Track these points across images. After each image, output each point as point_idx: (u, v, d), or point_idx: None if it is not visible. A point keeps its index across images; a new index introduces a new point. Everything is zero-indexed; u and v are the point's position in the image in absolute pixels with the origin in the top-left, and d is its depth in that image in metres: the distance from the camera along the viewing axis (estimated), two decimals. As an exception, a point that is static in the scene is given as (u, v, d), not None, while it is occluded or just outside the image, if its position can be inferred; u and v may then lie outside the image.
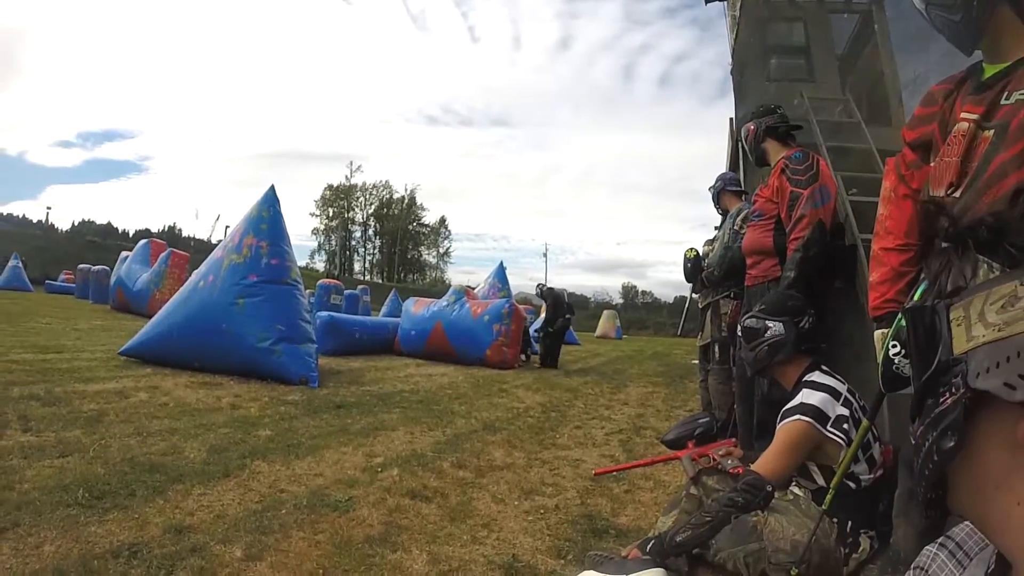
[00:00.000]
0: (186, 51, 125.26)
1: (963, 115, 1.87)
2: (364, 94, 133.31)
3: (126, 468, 3.46)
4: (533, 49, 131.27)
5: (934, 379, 0.65)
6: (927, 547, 1.00)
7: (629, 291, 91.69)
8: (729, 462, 2.68)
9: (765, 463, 2.35)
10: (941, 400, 0.64)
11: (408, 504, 3.24)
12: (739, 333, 2.89)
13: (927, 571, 0.92)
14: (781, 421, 2.42)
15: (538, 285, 9.60)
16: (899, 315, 1.79)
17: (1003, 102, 1.75)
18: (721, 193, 5.75)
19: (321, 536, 2.71)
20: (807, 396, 2.41)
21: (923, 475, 0.67)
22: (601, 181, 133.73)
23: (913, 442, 0.73)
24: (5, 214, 74.07)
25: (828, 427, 2.33)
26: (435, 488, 3.55)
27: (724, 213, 5.90)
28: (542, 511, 3.28)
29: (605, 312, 40.72)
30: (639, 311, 77.52)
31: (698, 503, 2.59)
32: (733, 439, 3.33)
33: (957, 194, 1.85)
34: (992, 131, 1.78)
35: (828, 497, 2.22)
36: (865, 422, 2.17)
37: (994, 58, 1.86)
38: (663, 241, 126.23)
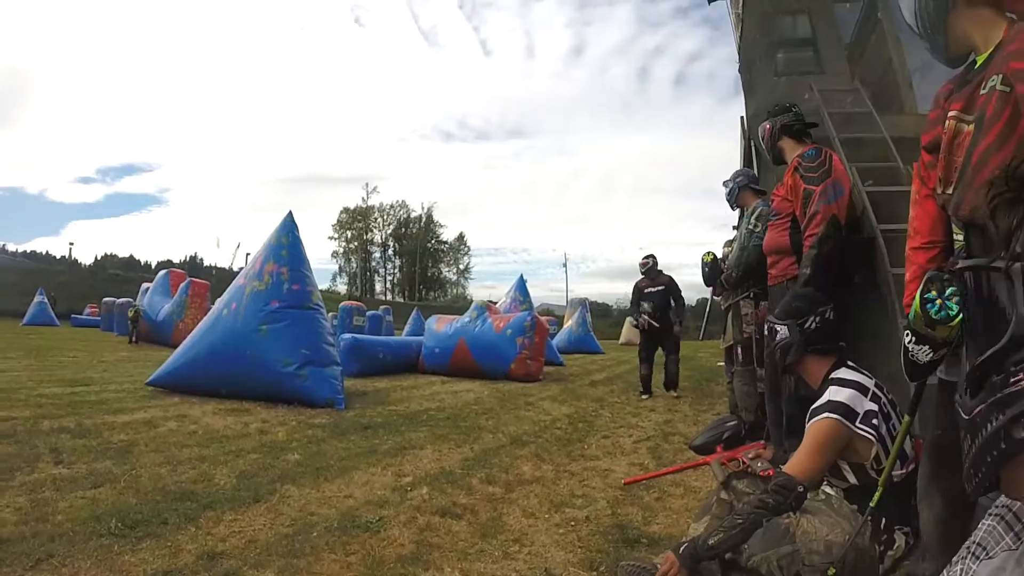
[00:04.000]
0: (200, 81, 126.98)
1: (950, 113, 1.90)
2: (379, 114, 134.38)
3: (158, 497, 3.50)
4: (546, 58, 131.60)
5: (1002, 354, 0.61)
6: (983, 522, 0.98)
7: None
8: (759, 464, 2.64)
9: (796, 463, 2.32)
10: (1013, 380, 0.60)
11: (439, 522, 3.23)
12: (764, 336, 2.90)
13: (984, 547, 0.89)
14: (809, 420, 2.40)
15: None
16: (915, 300, 1.78)
17: (981, 92, 1.77)
18: (742, 190, 5.71)
19: (353, 558, 2.71)
20: (834, 393, 2.39)
21: (984, 460, 0.64)
22: (621, 186, 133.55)
23: (967, 418, 0.69)
24: (29, 251, 75.21)
25: (857, 423, 2.30)
26: (465, 505, 3.53)
27: (740, 210, 5.87)
28: (573, 523, 3.25)
29: (628, 319, 40.43)
30: (663, 315, 76.85)
31: (729, 507, 2.56)
32: (762, 441, 3.30)
33: (950, 191, 1.89)
34: (972, 124, 1.80)
35: (877, 495, 2.17)
36: (907, 417, 2.14)
37: (979, 52, 1.88)
38: (685, 243, 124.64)
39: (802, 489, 2.23)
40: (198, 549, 2.74)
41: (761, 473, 2.59)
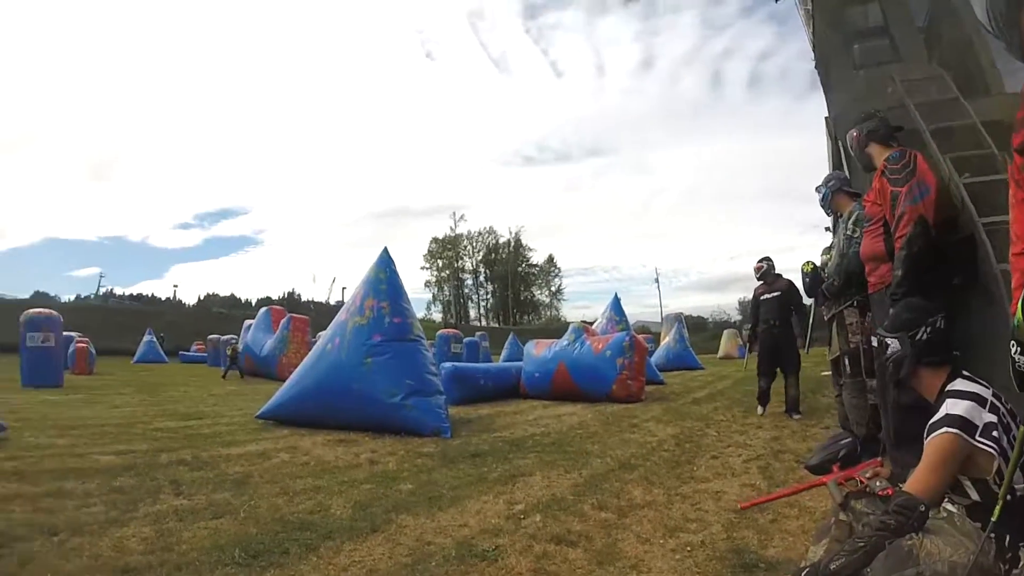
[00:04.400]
0: (287, 126, 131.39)
1: None
2: (461, 144, 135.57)
3: (277, 527, 3.65)
4: (617, 74, 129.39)
5: None
6: None
7: (747, 306, 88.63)
8: (877, 483, 2.58)
9: (916, 481, 2.28)
10: None
11: (555, 550, 3.26)
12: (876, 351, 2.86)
13: None
14: (927, 436, 2.35)
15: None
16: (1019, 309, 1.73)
17: None
18: (835, 194, 5.60)
19: None
20: (952, 407, 2.33)
21: None
22: (705, 195, 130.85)
23: None
24: (136, 294, 79.32)
25: (977, 437, 2.24)
26: (579, 532, 3.56)
27: (835, 215, 5.75)
28: (688, 548, 3.24)
29: (725, 332, 39.36)
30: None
31: (848, 529, 2.51)
32: (879, 458, 3.19)
33: None
34: None
35: (997, 509, 2.10)
36: (1022, 428, 2.09)
37: None
38: (776, 249, 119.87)
39: (924, 508, 2.18)
40: None
41: (880, 492, 2.53)
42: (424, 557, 3.17)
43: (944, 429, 2.28)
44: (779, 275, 8.74)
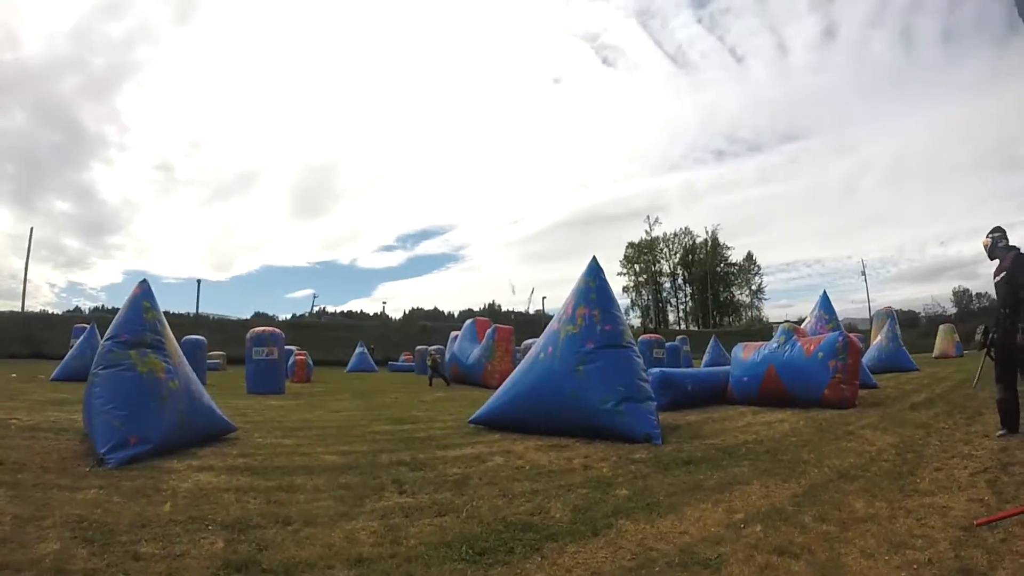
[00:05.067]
0: (476, 148, 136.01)
1: None
2: (647, 146, 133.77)
3: (500, 527, 3.93)
4: (800, 50, 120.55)
5: None
6: None
7: (962, 296, 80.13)
8: None
9: None
10: None
11: (777, 561, 3.33)
12: None
13: None
14: None
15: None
16: None
17: None
18: None
19: None
20: None
21: None
22: (912, 173, 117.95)
23: None
24: (347, 311, 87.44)
25: None
26: (801, 544, 3.59)
27: None
28: (915, 566, 3.21)
29: (941, 327, 35.29)
30: (978, 318, 67.82)
31: None
32: None
33: None
34: None
35: None
36: None
37: None
38: (991, 227, 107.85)
39: None
40: None
41: None
42: (647, 562, 3.33)
43: None
44: (1011, 247, 7.03)
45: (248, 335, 17.89)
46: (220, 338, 36.25)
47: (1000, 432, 6.96)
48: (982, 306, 72.98)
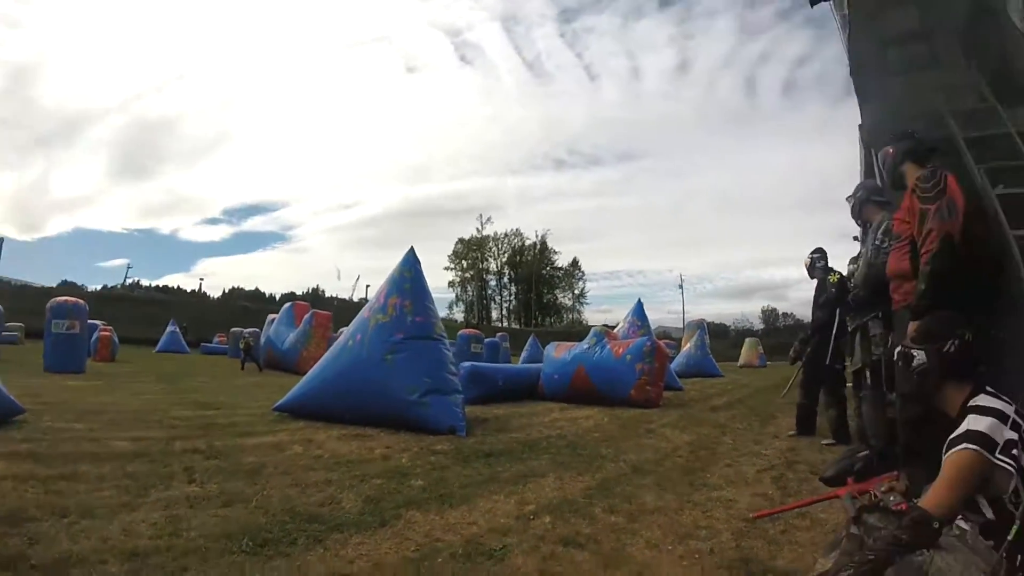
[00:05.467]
0: (317, 125, 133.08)
1: None
2: (491, 147, 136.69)
3: (286, 518, 3.65)
4: (652, 77, 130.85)
5: None
6: None
7: (770, 315, 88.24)
8: (892, 498, 2.52)
9: (932, 498, 2.24)
10: None
11: (562, 552, 3.24)
12: (897, 360, 2.80)
13: None
14: (947, 451, 2.31)
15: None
16: None
17: None
18: (864, 204, 5.56)
19: None
20: (973, 423, 2.29)
21: None
22: (737, 203, 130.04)
23: None
24: (162, 286, 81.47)
25: (997, 454, 2.20)
26: (588, 535, 3.53)
27: (864, 225, 5.70)
28: (697, 555, 3.21)
29: (747, 340, 39.47)
30: (782, 335, 74.06)
31: (859, 543, 2.44)
32: (896, 472, 3.12)
33: None
34: None
35: (1015, 529, 2.08)
36: None
37: None
38: (804, 258, 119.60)
39: (938, 525, 2.15)
40: (326, 570, 2.87)
41: (894, 507, 2.49)
42: (431, 553, 3.17)
43: (964, 445, 2.25)
44: (829, 269, 7.41)
45: (48, 305, 15.87)
46: (20, 306, 32.18)
47: (791, 433, 7.52)
48: (787, 324, 79.77)
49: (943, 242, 3.70)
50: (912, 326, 3.79)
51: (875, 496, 2.61)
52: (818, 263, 7.55)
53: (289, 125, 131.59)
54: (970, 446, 2.23)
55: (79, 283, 68.15)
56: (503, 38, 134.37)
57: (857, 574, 2.14)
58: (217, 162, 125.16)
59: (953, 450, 2.28)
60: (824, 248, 7.64)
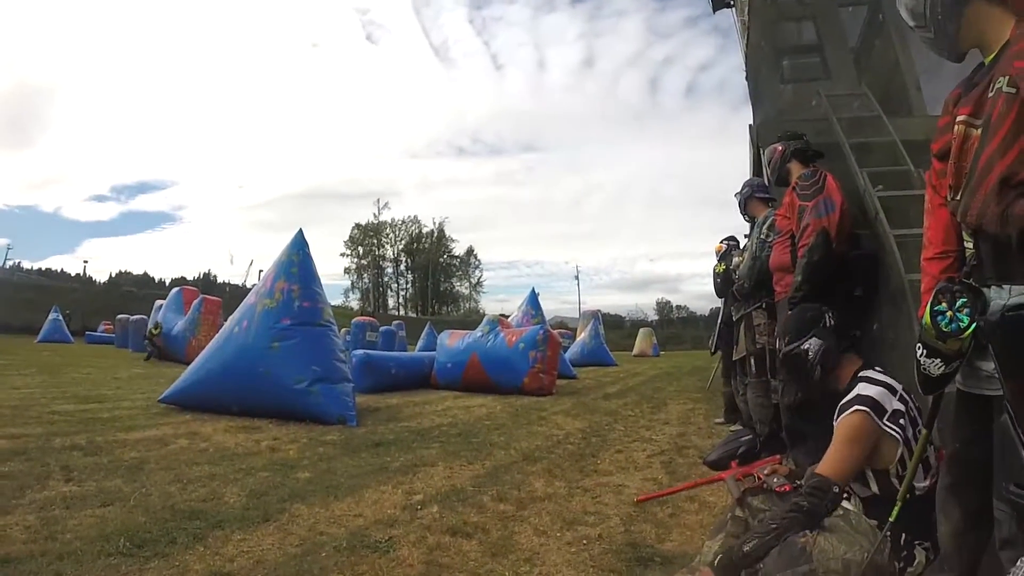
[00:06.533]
0: (213, 99, 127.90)
1: (958, 118, 1.88)
2: (392, 130, 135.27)
3: (167, 516, 3.50)
4: (558, 71, 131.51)
5: None
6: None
7: (664, 307, 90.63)
8: (775, 480, 2.59)
9: (827, 463, 2.29)
10: None
11: (449, 541, 3.20)
12: (785, 365, 2.90)
13: None
14: (838, 416, 2.37)
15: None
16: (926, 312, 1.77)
17: (988, 95, 1.75)
18: (748, 200, 5.73)
19: None
20: (863, 389, 2.37)
21: None
22: (634, 198, 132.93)
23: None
24: (44, 269, 75.65)
25: (885, 420, 2.27)
26: (476, 523, 3.50)
27: (752, 221, 5.84)
28: (585, 541, 3.21)
29: (641, 330, 40.30)
30: (675, 326, 76.47)
31: (744, 525, 2.52)
32: (778, 455, 3.22)
33: (959, 197, 1.87)
34: (980, 128, 1.78)
35: (896, 509, 2.13)
36: (925, 431, 2.12)
37: (986, 52, 1.88)
38: (697, 254, 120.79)
39: (837, 489, 2.20)
40: (205, 569, 2.74)
41: (777, 489, 2.54)
42: (314, 548, 3.08)
43: (855, 408, 2.32)
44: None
45: None
46: None
47: (717, 420, 7.66)
48: (680, 316, 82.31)
49: (819, 236, 3.92)
50: (784, 317, 3.96)
51: (759, 479, 2.65)
52: (732, 251, 7.28)
53: (182, 97, 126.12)
54: (860, 408, 2.30)
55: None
56: (412, 19, 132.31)
57: (762, 543, 2.17)
58: (105, 131, 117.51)
59: (844, 413, 2.35)
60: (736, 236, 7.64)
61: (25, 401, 8.32)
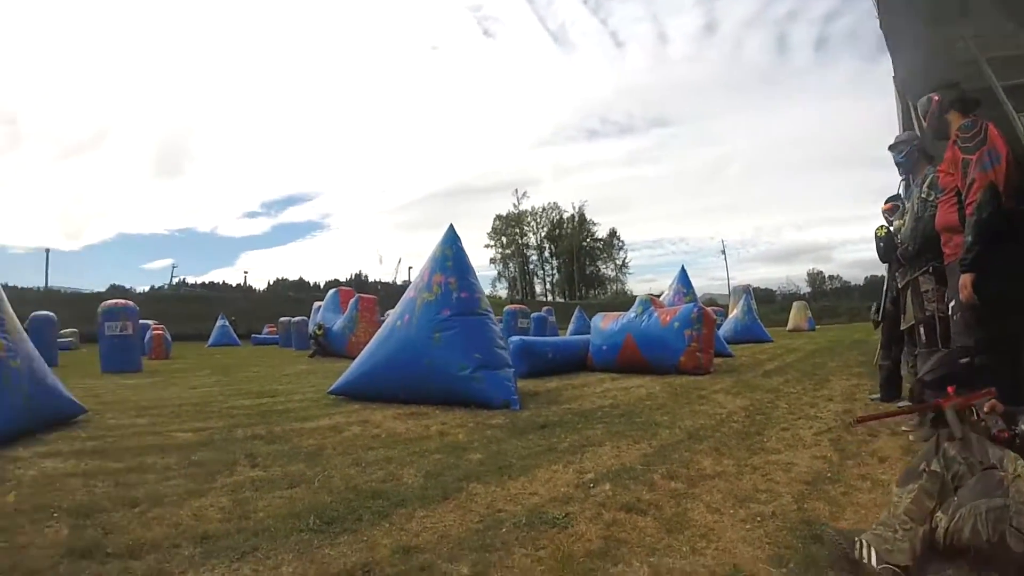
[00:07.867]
0: (346, 111, 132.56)
1: None
2: (520, 121, 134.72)
3: (350, 495, 3.73)
4: (679, 41, 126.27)
5: None
6: None
7: (816, 278, 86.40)
8: (995, 422, 2.43)
9: None
10: None
11: (624, 518, 3.26)
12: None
13: None
14: None
15: None
16: None
17: None
18: (918, 158, 5.45)
19: (543, 552, 2.79)
20: None
21: None
22: (774, 164, 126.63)
23: None
24: (208, 282, 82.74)
25: None
26: (649, 500, 3.54)
27: (907, 180, 5.58)
28: (759, 519, 3.20)
29: (795, 304, 38.60)
30: (829, 298, 72.77)
31: (939, 481, 2.36)
32: (993, 388, 2.75)
33: None
34: None
35: None
36: None
37: None
38: (847, 218, 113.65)
39: None
40: (393, 543, 2.92)
41: (996, 433, 2.39)
42: (495, 524, 3.20)
43: None
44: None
45: (99, 309, 16.32)
46: (73, 314, 32.39)
47: (873, 396, 7.23)
48: (833, 288, 78.16)
49: (987, 191, 3.71)
50: (963, 279, 3.77)
51: (977, 415, 2.52)
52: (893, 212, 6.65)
53: (318, 112, 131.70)
54: None
55: (127, 286, 69.45)
56: (526, 8, 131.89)
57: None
58: (249, 155, 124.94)
59: None
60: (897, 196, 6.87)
61: (204, 398, 9.07)
